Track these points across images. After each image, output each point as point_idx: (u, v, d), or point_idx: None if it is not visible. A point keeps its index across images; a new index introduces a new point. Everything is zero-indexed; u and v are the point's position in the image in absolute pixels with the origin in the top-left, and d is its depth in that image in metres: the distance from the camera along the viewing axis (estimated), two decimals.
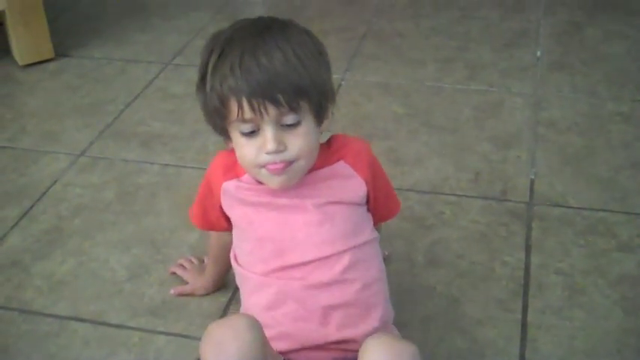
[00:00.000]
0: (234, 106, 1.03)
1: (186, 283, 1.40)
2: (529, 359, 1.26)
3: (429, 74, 2.13)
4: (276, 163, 1.05)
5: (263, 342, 1.00)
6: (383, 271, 1.17)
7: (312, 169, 1.11)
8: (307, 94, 1.03)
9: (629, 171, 1.70)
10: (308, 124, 1.05)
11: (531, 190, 1.64)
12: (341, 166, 1.13)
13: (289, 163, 1.06)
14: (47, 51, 2.21)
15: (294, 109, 1.03)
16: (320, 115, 1.08)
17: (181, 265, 1.43)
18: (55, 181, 1.71)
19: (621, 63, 2.17)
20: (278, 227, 1.11)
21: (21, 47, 2.17)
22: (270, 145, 1.03)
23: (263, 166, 1.06)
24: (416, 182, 1.67)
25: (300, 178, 1.09)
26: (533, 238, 1.51)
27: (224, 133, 1.11)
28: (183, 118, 1.93)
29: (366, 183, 1.14)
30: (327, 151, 1.13)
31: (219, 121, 1.08)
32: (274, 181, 1.08)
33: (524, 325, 1.31)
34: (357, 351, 1.05)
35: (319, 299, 1.09)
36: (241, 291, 1.18)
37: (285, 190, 1.10)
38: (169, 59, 2.24)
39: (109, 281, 1.43)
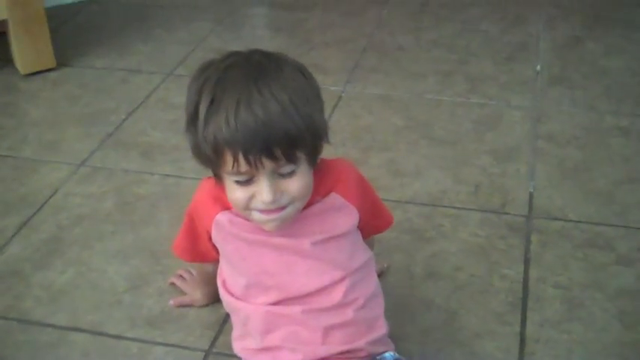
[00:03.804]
0: (229, 159, 1.00)
1: (186, 294, 1.40)
2: None
3: (429, 87, 2.14)
4: (270, 210, 1.05)
5: None
6: (379, 284, 1.18)
7: (306, 206, 1.09)
8: (304, 143, 1.01)
9: (628, 185, 1.70)
10: (303, 169, 1.04)
11: (530, 203, 1.65)
12: (332, 198, 1.12)
13: (283, 207, 1.05)
14: (49, 60, 2.22)
15: (290, 160, 1.01)
16: (315, 157, 1.07)
17: (180, 276, 1.43)
18: (56, 191, 1.71)
19: (621, 77, 2.18)
20: (275, 264, 1.11)
21: (23, 56, 2.18)
22: (267, 196, 1.02)
23: (256, 209, 1.06)
24: (415, 194, 1.68)
25: (292, 219, 1.08)
26: (532, 252, 1.51)
27: (215, 174, 1.09)
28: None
29: (358, 209, 1.14)
30: (317, 180, 1.10)
31: (211, 167, 1.07)
32: (267, 225, 1.07)
33: (522, 339, 1.31)
34: (363, 357, 1.05)
35: (320, 321, 1.09)
36: (234, 319, 1.18)
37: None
38: (171, 70, 2.25)
39: (108, 291, 1.43)
